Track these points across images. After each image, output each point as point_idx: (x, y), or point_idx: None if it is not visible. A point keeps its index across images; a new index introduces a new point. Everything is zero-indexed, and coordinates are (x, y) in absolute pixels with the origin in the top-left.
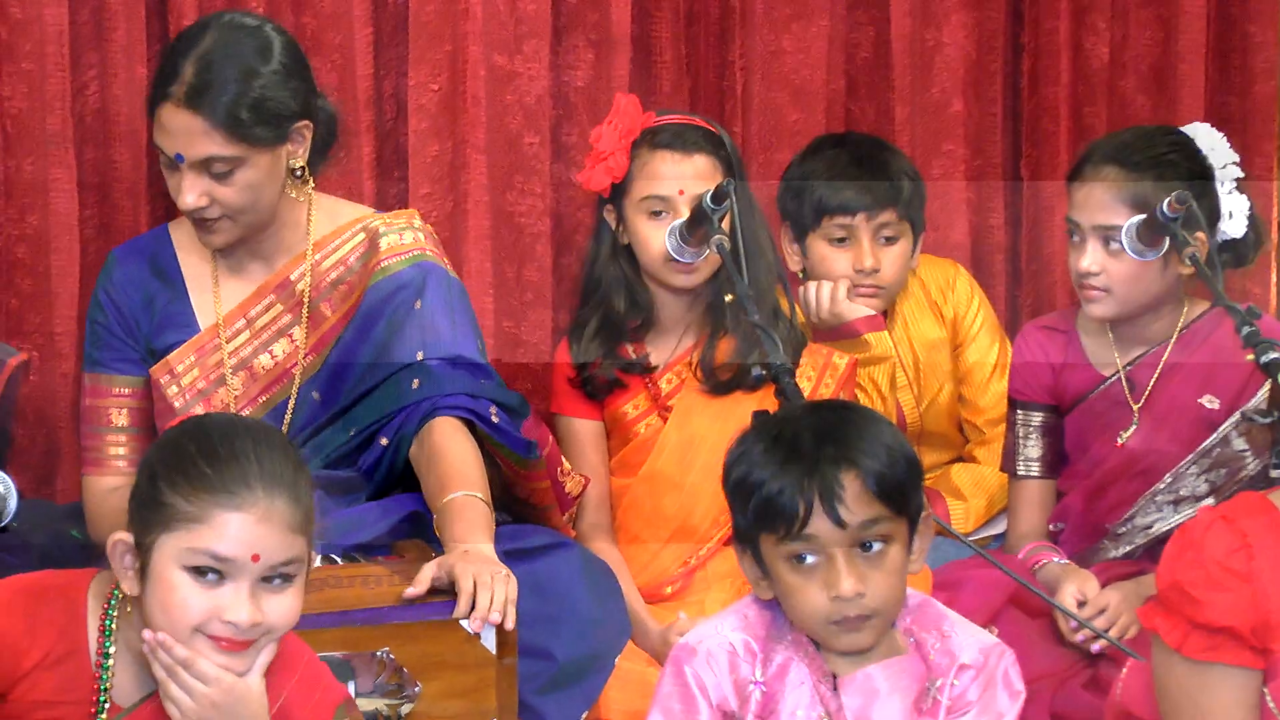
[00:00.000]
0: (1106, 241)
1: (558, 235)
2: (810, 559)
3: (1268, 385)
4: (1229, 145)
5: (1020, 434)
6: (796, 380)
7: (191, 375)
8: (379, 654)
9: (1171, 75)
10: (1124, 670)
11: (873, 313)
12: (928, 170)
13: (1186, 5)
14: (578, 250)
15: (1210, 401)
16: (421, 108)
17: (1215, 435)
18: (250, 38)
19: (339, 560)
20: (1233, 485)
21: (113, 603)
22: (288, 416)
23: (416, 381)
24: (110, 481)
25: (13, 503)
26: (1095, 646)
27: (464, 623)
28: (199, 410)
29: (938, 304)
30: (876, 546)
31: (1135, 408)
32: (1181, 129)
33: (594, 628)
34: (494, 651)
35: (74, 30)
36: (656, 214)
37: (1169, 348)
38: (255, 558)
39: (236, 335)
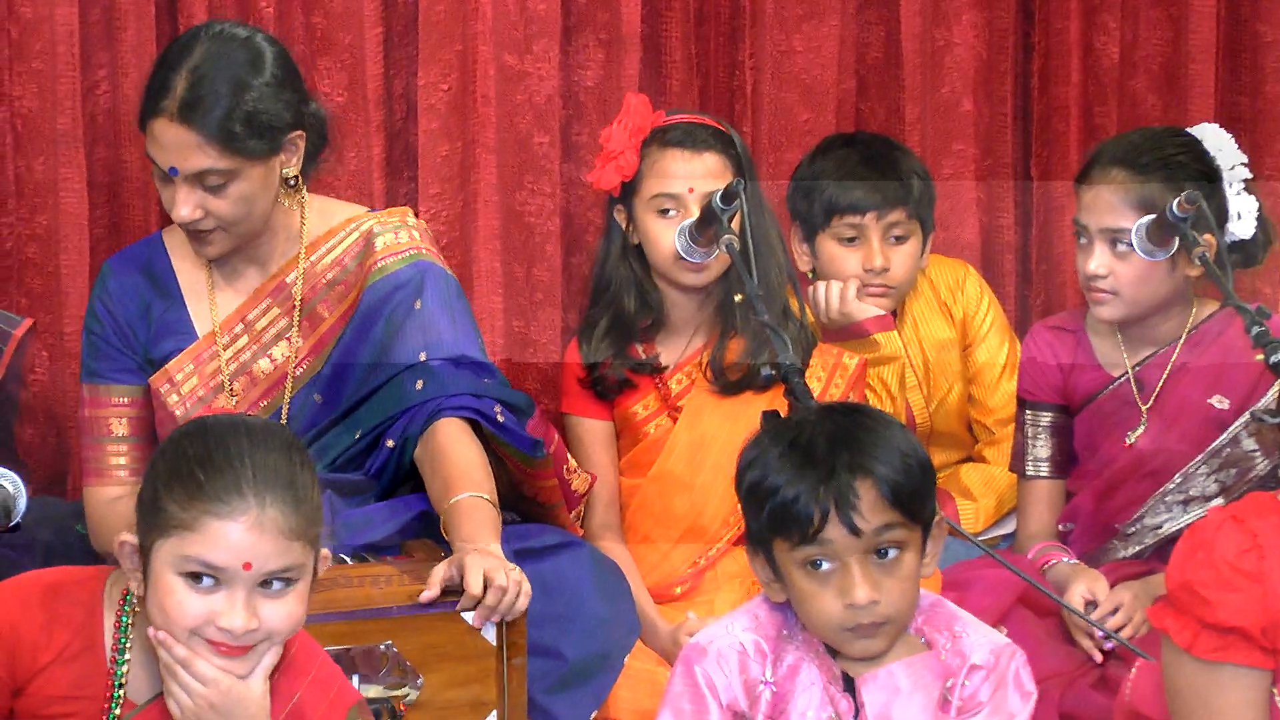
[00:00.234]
0: (1114, 244)
1: (567, 235)
2: (825, 565)
3: (1278, 385)
4: (1237, 146)
5: (1029, 434)
6: (806, 381)
7: (191, 383)
8: (381, 646)
9: (1182, 75)
10: (1133, 670)
11: (882, 313)
12: (938, 170)
13: (1197, 5)
14: (587, 250)
15: (1220, 401)
16: (431, 107)
17: (1225, 435)
18: (241, 49)
19: (348, 560)
20: (1243, 485)
21: (128, 600)
22: (288, 421)
23: (420, 383)
24: (112, 491)
25: (22, 502)
26: (1106, 645)
27: (466, 615)
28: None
29: (947, 304)
30: (891, 553)
31: (1144, 408)
32: (1190, 129)
33: (603, 627)
34: (494, 643)
35: (84, 30)
36: (666, 212)
37: (1178, 348)
38: (247, 566)
39: (235, 340)
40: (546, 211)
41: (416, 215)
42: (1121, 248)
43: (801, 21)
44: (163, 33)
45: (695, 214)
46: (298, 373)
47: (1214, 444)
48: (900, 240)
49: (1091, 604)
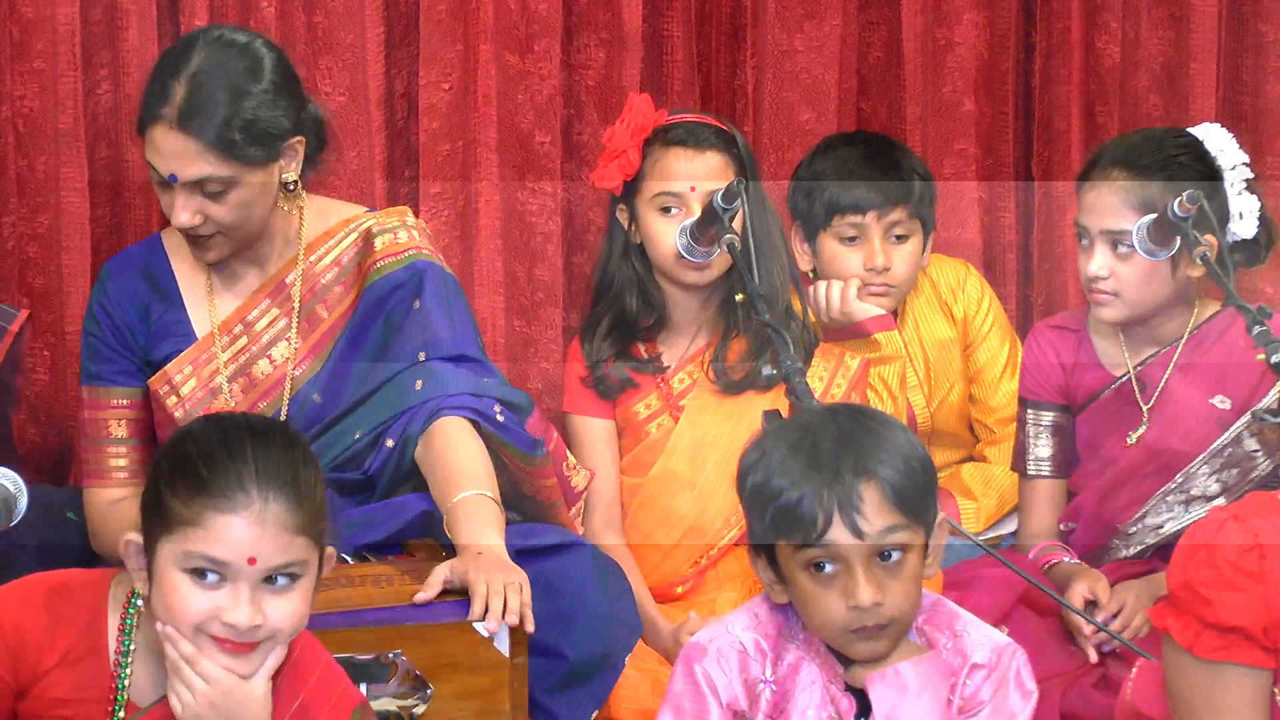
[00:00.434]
0: (1115, 245)
1: (569, 234)
2: (828, 567)
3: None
4: (1239, 145)
5: (1031, 433)
6: (808, 380)
7: (190, 385)
8: (392, 656)
9: (1183, 74)
10: (1134, 670)
11: (883, 312)
12: (939, 169)
13: (1198, 4)
14: (589, 249)
15: (1222, 401)
16: (433, 107)
17: (1227, 435)
18: (240, 56)
19: (350, 560)
20: (1244, 485)
21: (133, 603)
22: (288, 421)
23: (420, 382)
24: (112, 493)
25: (23, 502)
26: (1107, 646)
27: (478, 625)
28: None
29: (948, 303)
30: (895, 555)
31: (1146, 408)
32: (1192, 129)
33: (605, 627)
34: (507, 654)
35: (86, 29)
36: (668, 211)
37: (1180, 348)
38: (252, 561)
39: (234, 342)
40: (548, 211)
41: (417, 215)
42: (1123, 249)
43: (803, 21)
44: (164, 32)
45: (697, 213)
46: (297, 373)
47: (1216, 444)
48: (901, 240)
49: (1092, 604)
